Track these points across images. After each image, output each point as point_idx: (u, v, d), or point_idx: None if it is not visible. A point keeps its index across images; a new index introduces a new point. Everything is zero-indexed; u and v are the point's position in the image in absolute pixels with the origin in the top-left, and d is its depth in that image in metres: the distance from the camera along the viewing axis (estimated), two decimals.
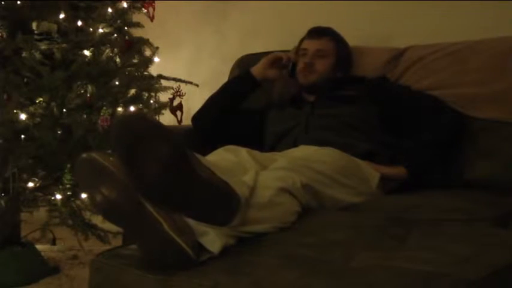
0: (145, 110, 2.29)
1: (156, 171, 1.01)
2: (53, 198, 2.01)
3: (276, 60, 1.92)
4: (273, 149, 1.80)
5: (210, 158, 1.40)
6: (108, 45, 2.12)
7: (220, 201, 1.06)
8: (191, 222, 1.07)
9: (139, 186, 1.04)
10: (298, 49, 1.93)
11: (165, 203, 1.05)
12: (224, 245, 1.08)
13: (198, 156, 1.09)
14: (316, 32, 1.91)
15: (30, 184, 1.97)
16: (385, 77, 1.87)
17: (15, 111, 1.87)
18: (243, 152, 1.45)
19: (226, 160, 1.37)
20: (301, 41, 1.94)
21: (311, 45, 1.87)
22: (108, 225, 1.98)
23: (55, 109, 1.93)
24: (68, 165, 1.93)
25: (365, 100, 1.75)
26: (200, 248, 1.07)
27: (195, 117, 1.97)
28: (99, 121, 2.00)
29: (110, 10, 2.17)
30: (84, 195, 1.98)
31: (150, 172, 1.01)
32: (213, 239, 1.07)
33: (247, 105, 1.95)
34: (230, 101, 1.92)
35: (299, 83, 1.90)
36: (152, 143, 1.01)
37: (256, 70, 1.91)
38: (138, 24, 2.27)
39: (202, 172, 1.04)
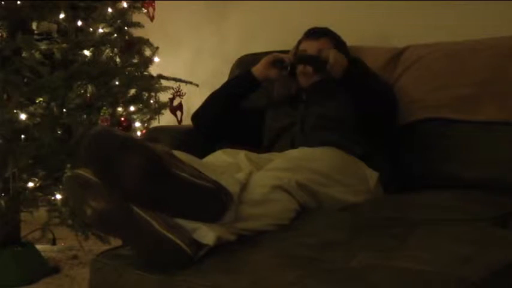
0: (145, 110, 2.30)
1: (134, 181, 1.03)
2: (53, 198, 2.01)
3: (276, 60, 1.92)
4: (271, 147, 1.80)
5: (207, 160, 1.40)
6: (108, 45, 2.13)
7: (208, 199, 1.07)
8: (180, 220, 1.08)
9: (124, 196, 1.05)
10: (296, 51, 1.92)
11: (153, 207, 1.06)
12: (219, 237, 1.08)
13: (182, 157, 1.11)
14: (314, 33, 1.90)
15: (30, 184, 1.97)
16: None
17: (15, 111, 1.87)
18: (241, 155, 1.45)
19: (221, 161, 1.38)
20: (299, 42, 1.93)
21: (310, 46, 1.86)
22: None
23: (55, 109, 1.93)
24: (68, 165, 1.93)
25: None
26: (197, 245, 1.07)
27: (195, 116, 1.97)
28: (99, 121, 2.01)
29: (110, 10, 2.17)
30: None
31: (129, 184, 1.04)
32: (205, 232, 1.07)
33: (246, 105, 1.95)
34: (230, 101, 1.92)
35: (299, 84, 1.89)
36: (123, 156, 1.03)
37: (257, 70, 1.90)
38: (138, 24, 2.28)
39: (185, 173, 1.06)
